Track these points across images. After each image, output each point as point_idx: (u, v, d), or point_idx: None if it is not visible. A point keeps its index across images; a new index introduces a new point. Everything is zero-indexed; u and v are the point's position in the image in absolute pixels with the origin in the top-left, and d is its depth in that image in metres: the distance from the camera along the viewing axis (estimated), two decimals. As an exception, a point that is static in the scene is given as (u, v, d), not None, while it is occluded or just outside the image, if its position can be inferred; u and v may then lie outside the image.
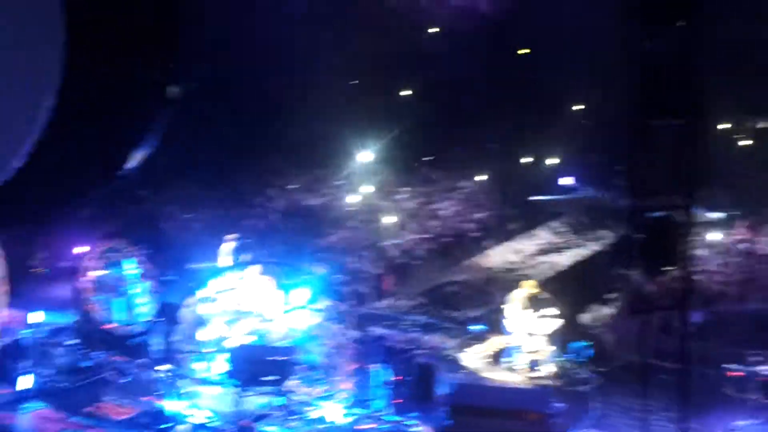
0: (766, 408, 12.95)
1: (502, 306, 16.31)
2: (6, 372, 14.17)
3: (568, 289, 20.50)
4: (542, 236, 27.05)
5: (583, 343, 16.06)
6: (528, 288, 15.72)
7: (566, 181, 32.74)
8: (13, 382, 13.71)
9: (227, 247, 17.43)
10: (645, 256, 9.70)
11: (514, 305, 15.46)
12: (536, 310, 15.44)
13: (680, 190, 9.84)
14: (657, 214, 9.66)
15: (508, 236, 26.98)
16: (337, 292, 14.42)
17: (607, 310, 19.30)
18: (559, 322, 15.69)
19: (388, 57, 37.87)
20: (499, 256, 24.65)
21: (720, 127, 34.06)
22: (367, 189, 29.06)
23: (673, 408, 11.97)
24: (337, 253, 22.38)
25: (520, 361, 15.37)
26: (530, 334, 15.32)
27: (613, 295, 19.36)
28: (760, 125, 35.75)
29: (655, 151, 9.70)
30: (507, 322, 15.60)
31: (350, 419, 12.40)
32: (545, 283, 20.41)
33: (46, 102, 8.32)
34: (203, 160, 30.81)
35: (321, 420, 12.50)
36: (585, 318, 19.00)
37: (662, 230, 9.61)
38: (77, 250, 14.74)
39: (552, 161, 34.56)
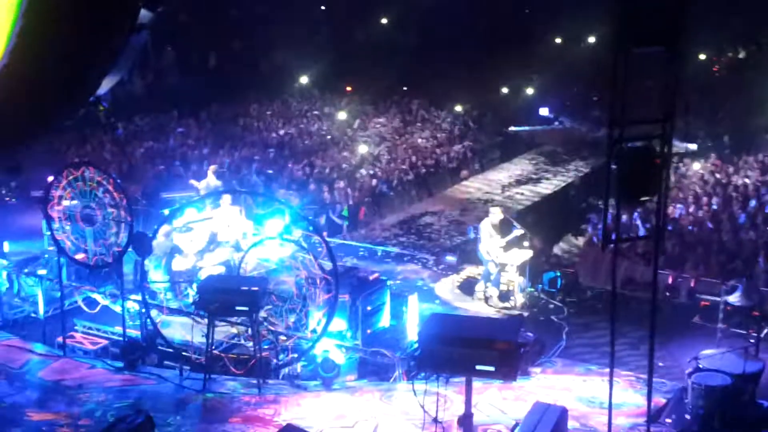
0: (733, 336, 13.09)
1: (475, 235, 16.32)
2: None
3: (544, 220, 20.59)
4: (519, 167, 27.04)
5: (556, 273, 16.12)
6: (494, 214, 15.64)
7: (544, 111, 32.66)
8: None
9: (204, 179, 17.29)
10: (621, 187, 9.61)
11: (483, 233, 15.41)
12: (504, 236, 15.40)
13: (658, 121, 9.72)
14: (634, 144, 9.56)
15: (484, 167, 26.94)
16: (311, 222, 14.29)
17: (580, 240, 19.41)
18: (530, 252, 15.71)
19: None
20: (475, 186, 24.62)
21: (701, 56, 33.98)
22: (343, 118, 28.84)
23: (642, 337, 12.06)
24: (312, 182, 22.25)
25: (492, 291, 15.42)
26: (502, 264, 15.33)
27: (588, 225, 19.44)
28: (740, 55, 35.68)
29: (633, 80, 9.54)
30: (479, 251, 15.59)
31: (323, 349, 12.42)
32: (521, 214, 20.49)
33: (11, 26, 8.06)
34: (178, 89, 30.49)
35: (293, 349, 12.53)
36: (559, 248, 19.10)
37: (639, 161, 9.52)
38: (48, 178, 14.47)
39: (530, 91, 34.43)
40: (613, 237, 10.35)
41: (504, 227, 15.62)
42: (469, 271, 16.82)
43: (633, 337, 13.27)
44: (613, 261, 10.65)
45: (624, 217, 18.01)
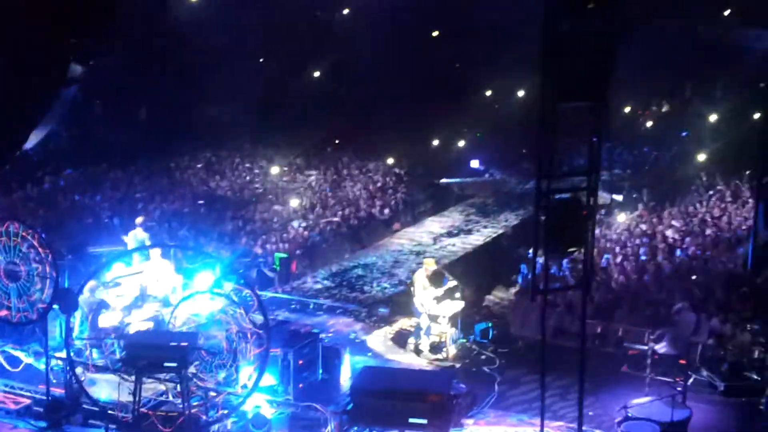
0: (660, 384, 13.31)
1: (408, 288, 16.37)
2: None
3: (475, 271, 20.73)
4: (450, 218, 27.26)
5: (487, 324, 16.24)
6: (428, 266, 15.76)
7: (474, 163, 33.11)
8: None
9: (132, 231, 17.02)
10: (549, 238, 9.80)
11: (416, 285, 15.49)
12: (437, 287, 15.50)
13: (585, 173, 9.98)
14: (562, 196, 9.78)
15: (416, 218, 27.11)
16: (242, 276, 14.18)
17: (511, 291, 19.57)
18: (461, 303, 15.81)
19: (297, 37, 37.59)
20: (407, 238, 24.72)
21: (626, 110, 34.90)
22: (275, 171, 28.82)
23: (572, 386, 12.17)
24: (243, 235, 22.10)
25: (425, 343, 15.43)
26: (434, 316, 15.38)
27: (517, 276, 19.63)
28: (664, 109, 36.77)
29: (561, 133, 9.79)
30: (412, 303, 15.63)
31: (254, 405, 12.24)
32: (452, 265, 20.60)
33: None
34: (108, 142, 30.13)
35: (223, 406, 12.32)
36: (490, 299, 19.24)
37: (566, 212, 9.73)
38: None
39: (460, 144, 34.89)
40: (542, 287, 10.51)
41: (437, 279, 15.72)
42: (402, 323, 16.83)
43: (563, 387, 13.40)
44: (542, 311, 10.80)
45: (554, 268, 18.30)
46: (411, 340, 15.75)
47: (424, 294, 15.41)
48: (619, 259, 19.77)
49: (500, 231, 25.49)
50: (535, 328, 15.93)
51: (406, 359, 15.20)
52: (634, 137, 33.43)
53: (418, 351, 15.50)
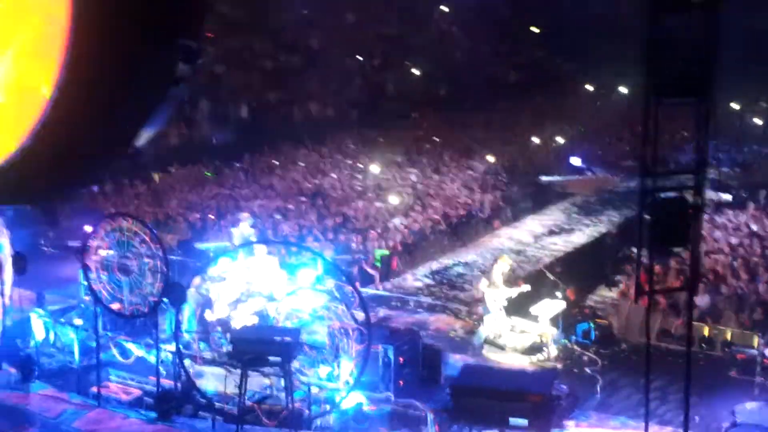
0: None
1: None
2: (12, 351, 14.24)
3: (577, 270, 20.48)
4: (551, 216, 26.97)
5: (589, 325, 16.01)
6: (504, 263, 15.72)
7: (575, 161, 32.65)
8: (20, 362, 13.76)
9: (237, 227, 17.40)
10: (654, 237, 9.59)
11: (493, 280, 15.44)
12: (510, 287, 15.41)
13: (692, 171, 9.72)
14: (667, 194, 9.55)
15: (516, 216, 26.92)
16: (343, 272, 14.36)
17: (614, 292, 19.25)
18: (563, 303, 15.65)
19: (398, 34, 37.84)
20: (507, 236, 24.58)
21: (733, 106, 33.90)
22: (376, 169, 29.03)
23: (678, 390, 11.93)
24: (345, 232, 22.35)
25: (525, 342, 15.32)
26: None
27: (621, 276, 19.30)
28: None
29: (667, 130, 9.58)
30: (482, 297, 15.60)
31: (354, 401, 12.40)
32: (553, 265, 20.42)
33: (53, 80, 8.30)
34: (213, 140, 30.98)
35: (325, 401, 12.52)
36: (592, 299, 18.96)
37: (672, 211, 9.50)
38: (85, 228, 14.72)
39: (561, 141, 34.47)
40: (647, 288, 10.30)
41: (512, 279, 15.70)
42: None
43: (668, 391, 13.12)
44: (647, 313, 10.60)
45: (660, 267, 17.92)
46: (482, 332, 15.65)
47: (497, 292, 15.38)
48: (728, 259, 19.22)
49: (603, 230, 25.09)
50: (639, 329, 15.64)
51: (506, 359, 15.12)
52: (742, 135, 32.41)
53: (516, 350, 15.39)
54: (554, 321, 15.46)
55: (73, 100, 8.42)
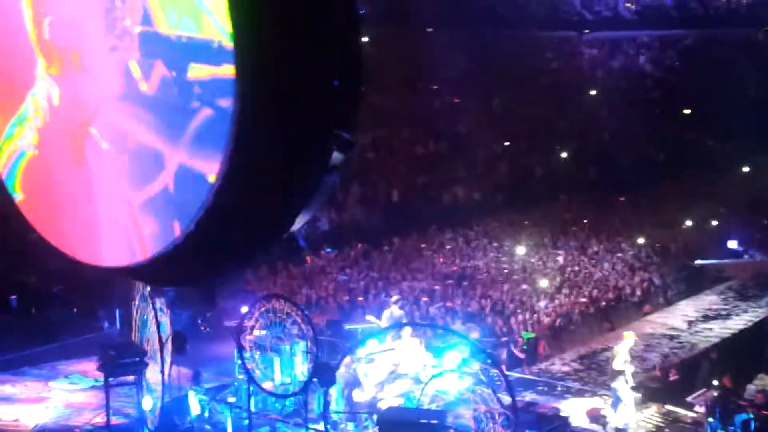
0: None
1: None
2: (169, 428, 14.86)
3: (735, 357, 19.64)
4: (707, 301, 26.00)
5: (749, 415, 15.27)
6: (630, 339, 15.43)
7: (732, 244, 31.48)
8: (178, 438, 14.34)
9: (387, 309, 17.64)
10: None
11: (618, 358, 15.15)
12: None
13: None
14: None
15: (670, 301, 26.11)
16: (490, 356, 14.34)
17: (775, 381, 18.30)
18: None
19: (547, 116, 37.99)
20: (660, 321, 23.83)
21: None
22: (522, 250, 28.92)
23: None
24: (491, 314, 22.29)
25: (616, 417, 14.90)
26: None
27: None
28: None
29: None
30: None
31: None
32: (709, 351, 19.68)
33: (216, 169, 8.89)
34: (361, 222, 31.74)
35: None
36: (751, 388, 18.07)
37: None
38: (241, 309, 15.40)
39: (715, 223, 33.36)
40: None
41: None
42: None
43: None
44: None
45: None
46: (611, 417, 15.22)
47: (625, 368, 15.17)
48: None
49: (762, 315, 23.97)
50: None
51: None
52: None
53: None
54: (711, 410, 14.88)
55: (235, 187, 9.01)
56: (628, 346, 15.43)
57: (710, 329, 22.84)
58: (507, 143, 37.71)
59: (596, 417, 16.00)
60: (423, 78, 37.21)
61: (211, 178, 8.91)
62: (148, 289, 15.05)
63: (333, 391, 14.13)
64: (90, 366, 17.11)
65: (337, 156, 9.93)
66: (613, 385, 15.46)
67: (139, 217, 10.09)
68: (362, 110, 9.60)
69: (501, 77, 37.65)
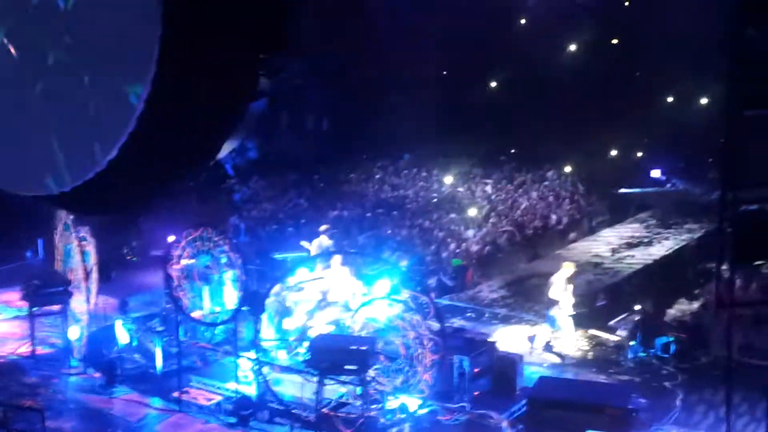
0: None
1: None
2: (96, 357, 14.71)
3: (656, 283, 20.16)
4: (630, 229, 26.57)
5: (669, 338, 15.77)
6: (568, 269, 15.71)
7: (655, 173, 32.11)
8: (103, 367, 14.20)
9: (316, 239, 17.61)
10: (735, 250, 9.44)
11: (556, 286, 15.48)
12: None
13: (774, 183, 9.52)
14: (749, 207, 9.39)
15: (594, 229, 26.61)
16: (419, 283, 14.44)
17: (694, 305, 18.89)
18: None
19: (476, 48, 37.78)
20: (584, 248, 24.30)
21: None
22: (452, 180, 29.07)
23: (760, 405, 11.66)
24: (420, 243, 22.43)
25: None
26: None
27: (702, 290, 18.94)
28: None
29: (749, 142, 9.43)
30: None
31: (429, 410, 12.45)
32: (631, 277, 20.15)
33: (139, 91, 8.61)
34: (292, 152, 31.41)
35: (400, 410, 12.59)
36: (671, 312, 18.64)
37: (754, 223, 9.35)
38: (167, 238, 15.15)
39: (641, 153, 33.94)
40: (728, 301, 10.13)
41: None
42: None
43: (750, 406, 12.82)
44: (728, 326, 10.41)
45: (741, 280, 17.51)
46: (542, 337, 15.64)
47: (563, 295, 15.49)
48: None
49: (683, 243, 24.61)
50: (720, 343, 15.34)
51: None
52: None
53: (547, 346, 15.42)
54: (633, 333, 15.30)
55: (159, 113, 8.73)
56: (565, 276, 15.65)
57: (633, 256, 23.38)
58: (444, 73, 37.45)
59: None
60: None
61: (135, 102, 8.60)
62: (71, 217, 14.70)
63: (263, 319, 14.12)
64: (13, 296, 16.78)
65: (264, 81, 9.71)
66: (551, 313, 15.76)
67: (60, 141, 9.73)
68: (292, 34, 9.32)
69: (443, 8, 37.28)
